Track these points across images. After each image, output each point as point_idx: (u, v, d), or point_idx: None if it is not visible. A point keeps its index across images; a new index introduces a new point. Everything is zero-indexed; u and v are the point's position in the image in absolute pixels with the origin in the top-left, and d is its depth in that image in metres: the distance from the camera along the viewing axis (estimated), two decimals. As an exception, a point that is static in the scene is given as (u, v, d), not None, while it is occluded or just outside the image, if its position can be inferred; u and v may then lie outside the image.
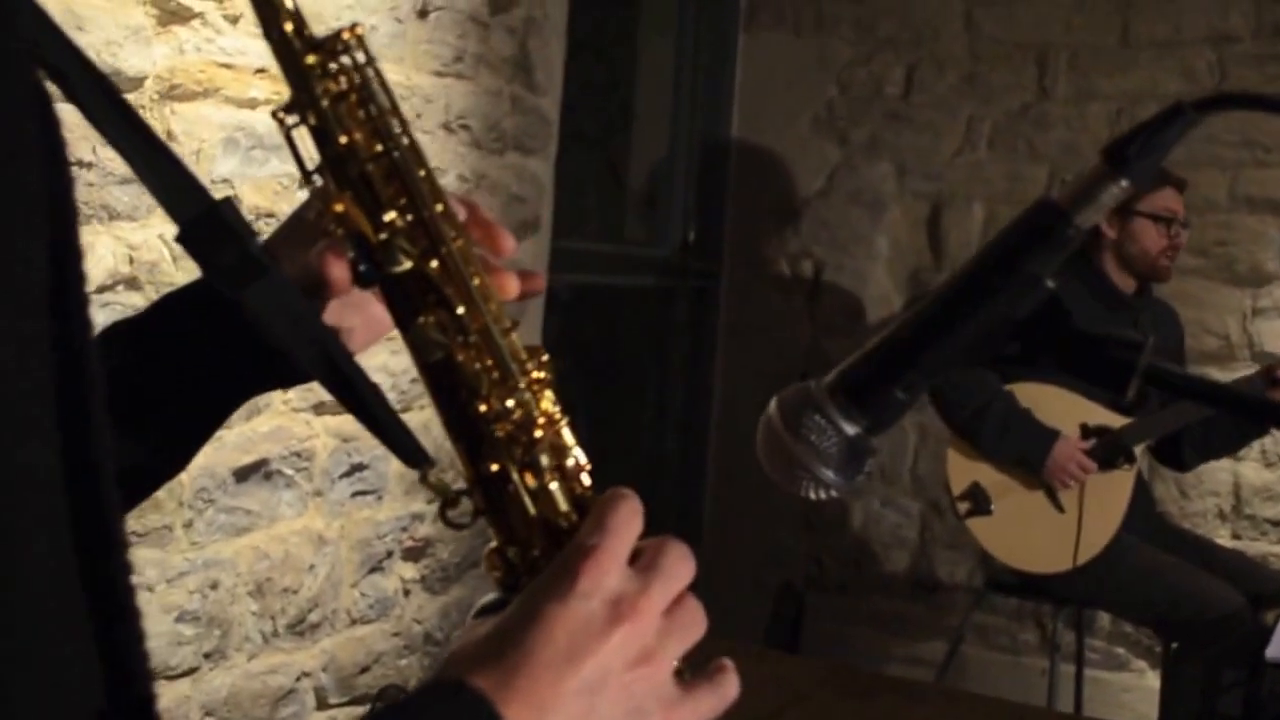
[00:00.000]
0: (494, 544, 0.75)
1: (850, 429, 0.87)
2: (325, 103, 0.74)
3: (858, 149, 4.84)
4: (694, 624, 0.69)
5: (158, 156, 0.75)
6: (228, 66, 2.25)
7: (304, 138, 0.76)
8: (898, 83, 4.79)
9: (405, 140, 0.75)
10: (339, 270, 0.82)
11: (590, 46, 3.67)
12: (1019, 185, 4.61)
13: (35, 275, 0.56)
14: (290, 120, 0.75)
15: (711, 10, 4.88)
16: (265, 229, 2.46)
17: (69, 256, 0.59)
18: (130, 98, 2.08)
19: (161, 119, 2.14)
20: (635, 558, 0.69)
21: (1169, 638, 3.61)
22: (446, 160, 2.97)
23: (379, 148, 0.74)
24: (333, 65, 0.74)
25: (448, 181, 2.98)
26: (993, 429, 3.44)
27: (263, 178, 2.36)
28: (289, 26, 0.74)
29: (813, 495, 0.89)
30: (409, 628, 2.99)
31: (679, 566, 0.69)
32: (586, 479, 0.76)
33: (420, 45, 2.84)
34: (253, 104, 2.32)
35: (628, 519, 0.69)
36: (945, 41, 4.70)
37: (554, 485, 0.74)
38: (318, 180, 0.76)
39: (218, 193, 0.81)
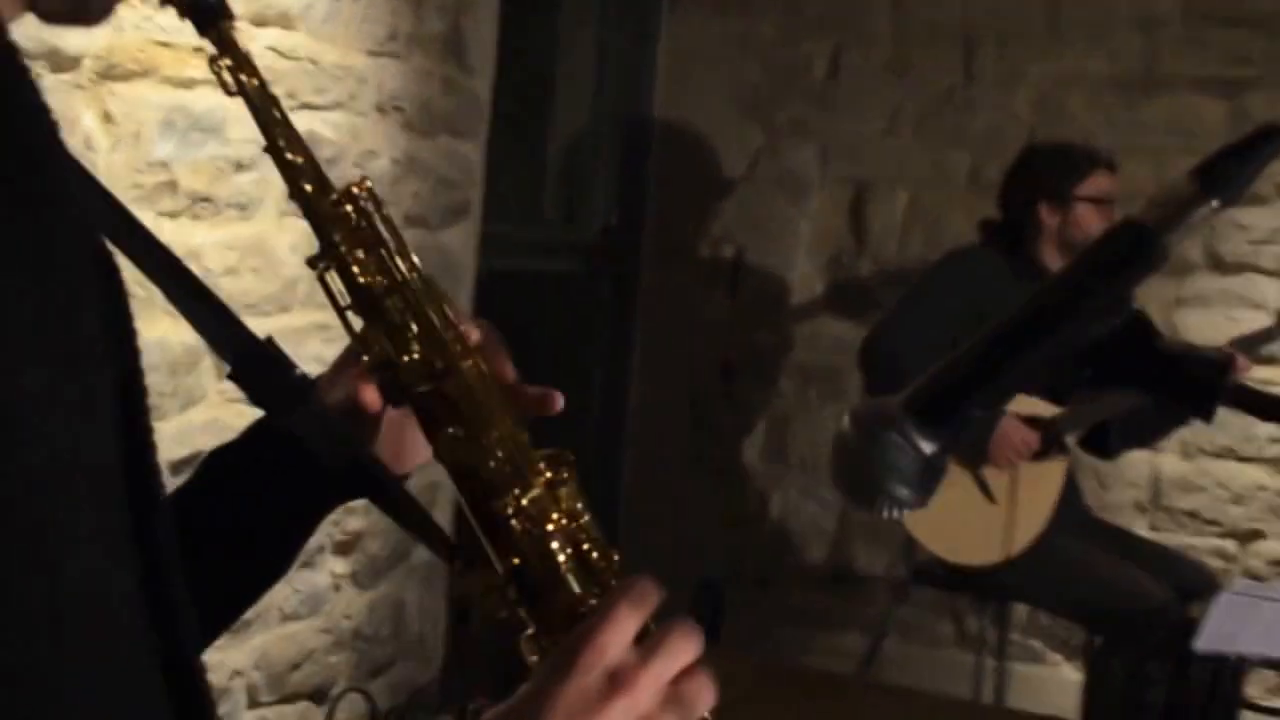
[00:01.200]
0: (529, 631, 0.84)
1: (928, 448, 0.88)
2: (345, 249, 0.89)
3: (782, 132, 4.87)
4: (698, 697, 0.77)
5: (205, 303, 0.89)
6: (166, 45, 2.20)
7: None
8: (823, 65, 4.83)
9: (417, 276, 0.90)
10: (370, 394, 0.96)
11: (511, 23, 3.66)
12: (944, 170, 4.69)
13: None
14: (322, 267, 0.90)
15: (635, -13, 4.88)
16: (202, 213, 2.43)
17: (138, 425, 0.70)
18: (67, 78, 2.03)
19: (98, 100, 2.09)
20: (644, 637, 0.77)
21: (1095, 631, 3.71)
22: (380, 143, 2.94)
23: (392, 283, 0.89)
24: (349, 213, 0.90)
25: (381, 165, 2.95)
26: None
27: (201, 160, 2.32)
28: (309, 187, 0.89)
29: (885, 514, 0.91)
30: (339, 624, 2.97)
31: (682, 643, 0.77)
32: (610, 566, 0.86)
33: (354, 24, 2.81)
34: (190, 84, 2.27)
35: (635, 601, 0.77)
36: (871, 24, 4.75)
37: (570, 576, 0.84)
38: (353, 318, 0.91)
39: (156, 175, 0.94)
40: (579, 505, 0.89)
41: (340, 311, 0.91)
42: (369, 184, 0.91)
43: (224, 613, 0.98)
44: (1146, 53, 4.45)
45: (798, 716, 2.50)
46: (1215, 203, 0.83)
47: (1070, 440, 3.60)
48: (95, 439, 0.64)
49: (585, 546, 0.87)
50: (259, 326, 0.92)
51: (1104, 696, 3.57)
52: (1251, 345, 3.55)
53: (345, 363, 1.00)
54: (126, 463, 0.67)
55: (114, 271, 0.72)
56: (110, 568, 0.64)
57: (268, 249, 2.58)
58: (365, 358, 0.90)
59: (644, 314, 5.01)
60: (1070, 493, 3.67)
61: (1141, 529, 4.28)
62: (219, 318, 0.90)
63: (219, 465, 1.00)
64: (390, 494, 0.93)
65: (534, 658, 0.82)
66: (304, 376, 0.95)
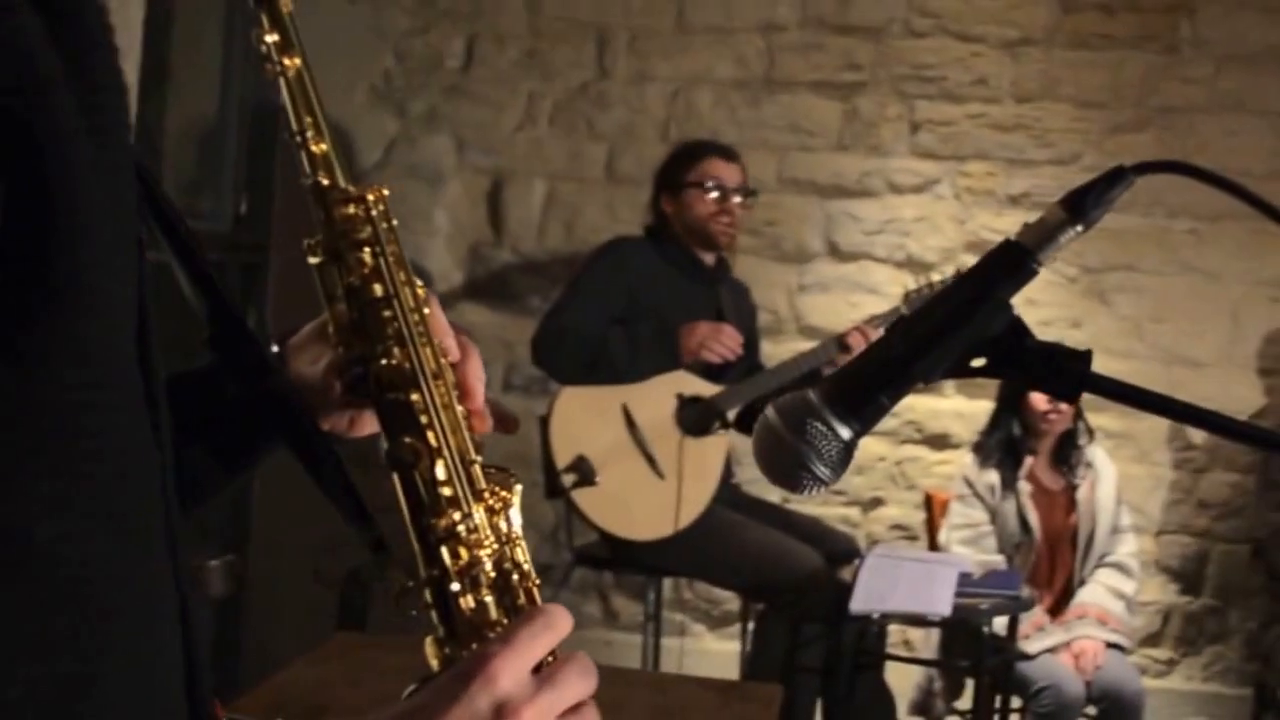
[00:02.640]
0: (437, 635, 0.88)
1: (846, 433, 1.06)
2: (347, 248, 0.94)
3: (416, 121, 4.97)
4: None
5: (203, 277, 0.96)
6: None
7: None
8: (457, 55, 4.95)
9: (407, 288, 0.94)
10: (333, 387, 1.04)
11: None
12: (579, 162, 4.91)
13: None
14: (319, 256, 0.95)
15: (261, -30, 4.82)
16: None
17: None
18: None
19: None
20: (541, 668, 0.81)
21: (755, 599, 4.04)
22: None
23: (385, 292, 0.93)
24: (358, 215, 0.94)
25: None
26: (623, 355, 3.74)
27: None
28: (325, 180, 0.93)
29: (807, 492, 1.08)
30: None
31: (576, 679, 0.81)
32: (530, 592, 0.90)
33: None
34: None
35: (537, 633, 0.81)
36: (506, 16, 4.92)
37: (489, 599, 0.88)
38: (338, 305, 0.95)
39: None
40: (515, 530, 0.93)
41: (328, 300, 0.95)
42: (385, 193, 0.96)
43: None
44: (767, 56, 4.83)
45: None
46: (1079, 227, 1.05)
47: (730, 416, 3.89)
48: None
49: (509, 570, 0.90)
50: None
51: (765, 659, 3.89)
52: (881, 324, 3.96)
53: (320, 333, 1.06)
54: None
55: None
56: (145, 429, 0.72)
57: None
58: (341, 349, 0.94)
59: (275, 304, 4.98)
60: (725, 470, 3.98)
61: (774, 500, 4.64)
62: (205, 285, 0.96)
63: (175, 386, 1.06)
64: (329, 477, 0.98)
65: (434, 660, 0.87)
66: (276, 354, 1.03)
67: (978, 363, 1.08)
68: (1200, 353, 4.71)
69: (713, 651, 4.81)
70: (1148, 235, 4.67)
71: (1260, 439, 1.05)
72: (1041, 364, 1.06)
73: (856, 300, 4.78)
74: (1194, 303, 4.71)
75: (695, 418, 3.82)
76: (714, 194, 3.98)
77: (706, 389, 3.85)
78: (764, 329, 4.67)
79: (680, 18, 4.86)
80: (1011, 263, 1.07)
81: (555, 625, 0.83)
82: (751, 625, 4.11)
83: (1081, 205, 1.05)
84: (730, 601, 4.76)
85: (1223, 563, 4.76)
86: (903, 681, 4.15)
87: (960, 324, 1.06)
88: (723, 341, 3.81)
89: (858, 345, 3.87)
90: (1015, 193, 4.77)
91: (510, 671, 0.78)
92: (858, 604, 3.58)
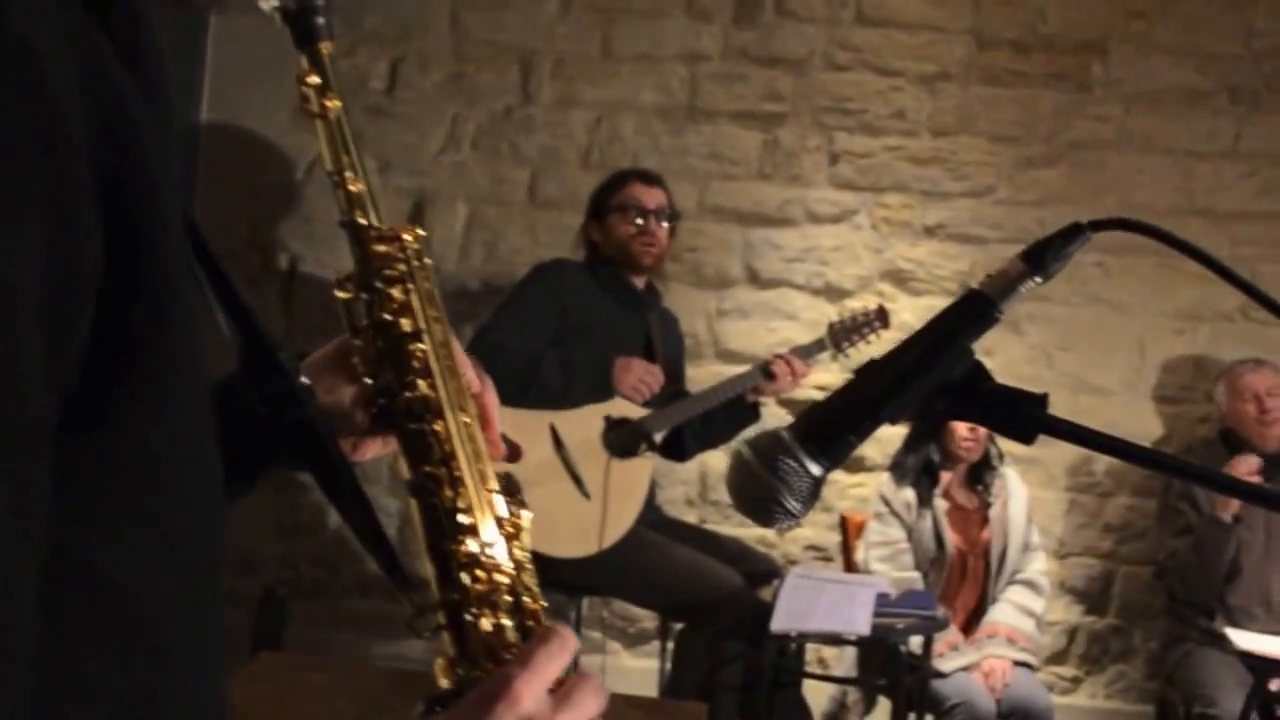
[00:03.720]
0: (450, 656, 0.92)
1: (816, 470, 1.13)
2: (380, 284, 0.98)
3: (339, 142, 4.96)
4: None
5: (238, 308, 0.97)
6: None
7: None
8: (382, 77, 4.98)
9: (438, 325, 0.99)
10: (361, 418, 1.08)
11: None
12: (502, 186, 4.96)
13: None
14: (348, 291, 0.99)
15: (186, -12, 4.83)
16: None
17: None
18: None
19: None
20: (558, 686, 0.85)
21: (676, 618, 4.10)
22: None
23: (414, 327, 0.97)
24: (392, 253, 0.98)
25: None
26: (557, 381, 3.78)
27: None
28: (362, 219, 0.98)
29: (777, 524, 1.15)
30: None
31: (590, 699, 0.85)
32: (535, 616, 0.94)
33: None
34: None
35: (553, 654, 0.85)
36: (431, 39, 4.95)
37: (507, 621, 0.92)
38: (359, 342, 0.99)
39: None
40: (526, 555, 0.98)
41: (354, 332, 0.99)
42: (421, 233, 1.01)
43: None
44: (691, 85, 4.91)
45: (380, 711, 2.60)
46: (1038, 279, 1.13)
47: (658, 439, 3.96)
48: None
49: (521, 594, 0.94)
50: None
51: (685, 677, 3.95)
52: (804, 354, 4.05)
53: (338, 362, 1.09)
54: None
55: None
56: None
57: None
58: (368, 380, 0.98)
59: (195, 324, 4.96)
60: (650, 492, 4.04)
61: (691, 520, 4.71)
62: (240, 315, 0.97)
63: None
64: (352, 503, 1.00)
65: (444, 681, 0.90)
66: (306, 385, 1.04)
67: (940, 407, 1.16)
68: (1106, 381, 4.87)
69: (629, 669, 4.87)
70: (1058, 267, 4.81)
71: (1211, 481, 1.14)
72: (1000, 407, 1.14)
73: (775, 326, 4.87)
74: (1101, 333, 4.87)
75: (622, 440, 3.89)
76: (636, 217, 4.07)
77: (634, 412, 3.92)
78: (684, 353, 4.75)
79: (605, 45, 4.92)
80: (975, 311, 1.14)
81: (568, 646, 0.87)
82: (671, 644, 4.17)
83: (1041, 258, 1.13)
84: (647, 620, 4.82)
85: (1126, 584, 4.91)
86: (818, 697, 4.23)
87: (925, 369, 1.13)
88: (650, 385, 3.90)
89: (782, 374, 3.97)
90: (931, 223, 4.89)
91: (531, 692, 0.82)
92: (779, 623, 3.65)
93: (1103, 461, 4.82)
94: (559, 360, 3.82)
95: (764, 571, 4.04)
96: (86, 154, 0.60)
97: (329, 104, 0.98)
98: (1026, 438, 1.13)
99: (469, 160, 4.97)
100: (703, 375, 4.57)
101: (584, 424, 3.88)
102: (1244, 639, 4.01)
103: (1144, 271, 4.79)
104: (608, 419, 3.89)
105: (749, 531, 4.79)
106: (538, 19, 4.93)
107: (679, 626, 4.11)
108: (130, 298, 0.64)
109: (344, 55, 4.94)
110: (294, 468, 1.13)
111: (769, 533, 4.87)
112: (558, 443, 3.84)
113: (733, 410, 4.06)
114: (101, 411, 0.64)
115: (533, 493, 3.88)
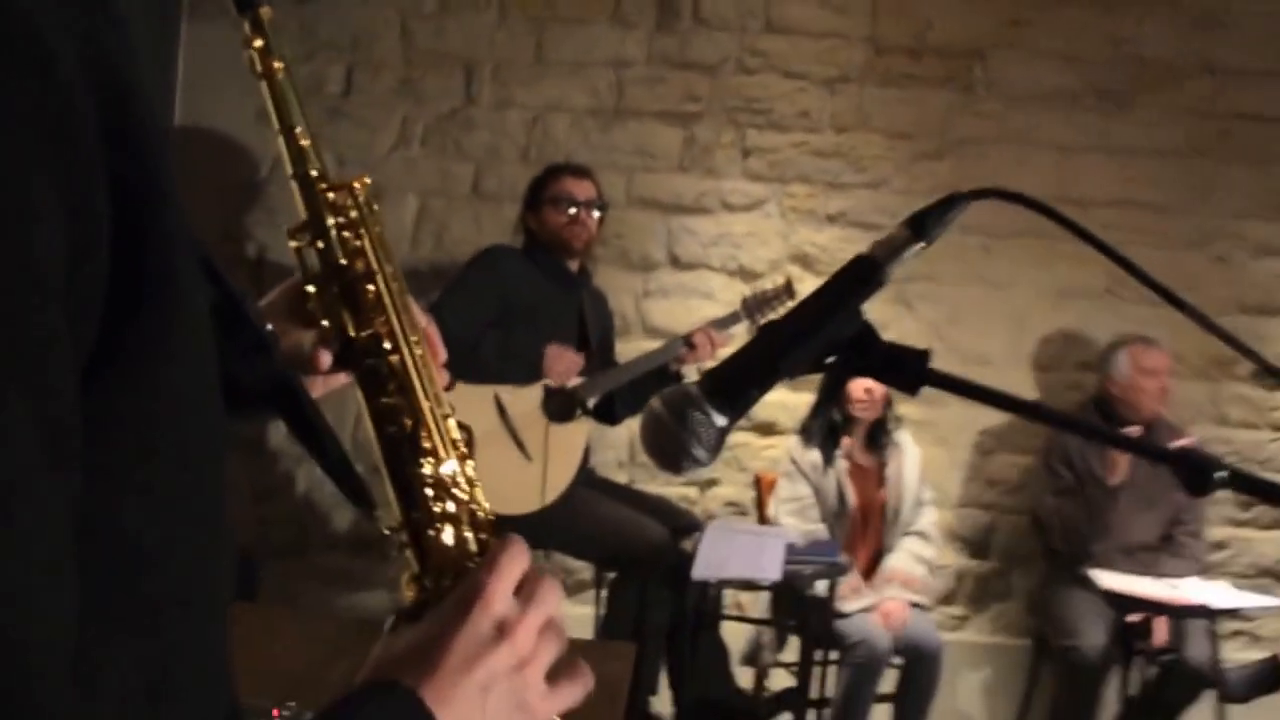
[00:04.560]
0: (414, 571, 0.90)
1: (721, 421, 1.09)
2: (333, 232, 0.94)
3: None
4: (560, 638, 0.86)
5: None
6: None
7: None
8: (338, 82, 4.89)
9: (389, 268, 0.95)
10: (325, 359, 1.03)
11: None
12: (448, 180, 4.89)
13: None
14: (302, 240, 0.95)
15: (156, -1, 4.72)
16: None
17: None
18: None
19: None
20: (519, 588, 0.85)
21: (609, 568, 4.08)
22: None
23: (368, 267, 0.94)
24: (342, 202, 0.95)
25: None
26: (492, 362, 3.73)
27: None
28: (314, 171, 0.94)
29: (686, 473, 1.11)
30: None
31: (550, 595, 0.85)
32: (488, 528, 0.93)
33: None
34: None
35: (513, 559, 0.85)
36: (382, 48, 4.87)
37: (467, 534, 0.91)
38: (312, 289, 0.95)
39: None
40: (473, 473, 0.95)
41: (307, 281, 0.95)
42: (368, 182, 0.96)
43: None
44: (617, 88, 4.86)
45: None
46: (921, 244, 1.10)
47: (591, 404, 3.93)
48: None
49: (475, 509, 0.93)
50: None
51: (618, 621, 3.93)
52: (721, 326, 4.03)
53: (294, 308, 1.06)
54: None
55: None
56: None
57: None
58: (325, 323, 0.94)
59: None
60: (585, 453, 4.01)
61: (622, 481, 4.68)
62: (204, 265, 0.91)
63: None
64: (320, 440, 0.95)
65: (410, 594, 0.89)
66: (271, 333, 0.99)
67: (833, 360, 1.13)
68: (989, 351, 4.88)
69: (568, 615, 4.75)
70: (945, 250, 4.78)
71: (1070, 425, 1.12)
72: (888, 362, 1.11)
73: (694, 305, 4.83)
74: (984, 308, 4.88)
75: (559, 406, 3.85)
76: (568, 208, 4.02)
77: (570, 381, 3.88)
78: (615, 331, 4.72)
79: (539, 51, 4.86)
80: (863, 275, 1.11)
81: (525, 550, 0.86)
82: (605, 592, 4.14)
83: (923, 224, 1.10)
84: (583, 571, 4.78)
85: (1007, 532, 4.93)
86: (735, 638, 4.22)
87: (819, 328, 1.10)
88: (571, 368, 3.86)
89: (702, 344, 3.95)
90: (833, 212, 4.87)
91: (501, 594, 0.82)
92: (699, 571, 3.63)
93: (986, 421, 4.84)
94: (495, 343, 3.76)
95: (686, 525, 4.02)
96: (95, 124, 0.57)
97: (274, 64, 0.94)
98: (911, 389, 1.10)
99: (418, 157, 4.90)
100: (630, 350, 4.53)
101: (525, 393, 3.84)
102: (1106, 578, 4.05)
103: (1023, 252, 4.80)
104: (546, 388, 3.85)
105: (673, 490, 4.78)
106: (478, 29, 4.86)
107: (612, 576, 4.09)
108: (135, 271, 0.61)
109: (303, 61, 4.85)
110: (263, 414, 1.06)
111: (691, 491, 4.85)
112: (501, 411, 3.79)
113: (658, 379, 4.03)
114: (115, 371, 0.60)
115: (479, 456, 3.87)
